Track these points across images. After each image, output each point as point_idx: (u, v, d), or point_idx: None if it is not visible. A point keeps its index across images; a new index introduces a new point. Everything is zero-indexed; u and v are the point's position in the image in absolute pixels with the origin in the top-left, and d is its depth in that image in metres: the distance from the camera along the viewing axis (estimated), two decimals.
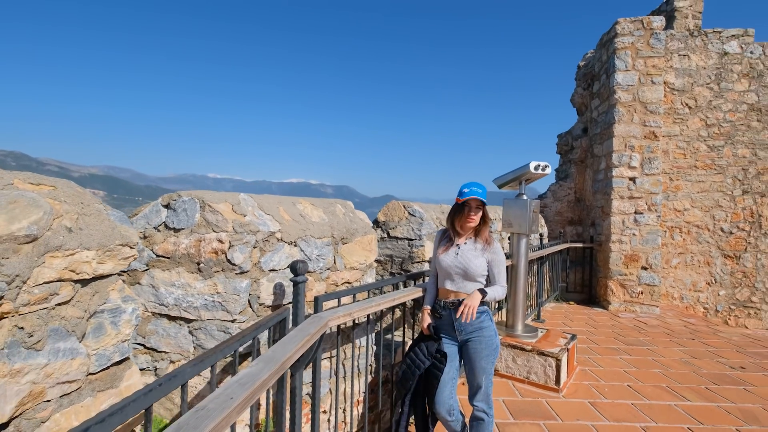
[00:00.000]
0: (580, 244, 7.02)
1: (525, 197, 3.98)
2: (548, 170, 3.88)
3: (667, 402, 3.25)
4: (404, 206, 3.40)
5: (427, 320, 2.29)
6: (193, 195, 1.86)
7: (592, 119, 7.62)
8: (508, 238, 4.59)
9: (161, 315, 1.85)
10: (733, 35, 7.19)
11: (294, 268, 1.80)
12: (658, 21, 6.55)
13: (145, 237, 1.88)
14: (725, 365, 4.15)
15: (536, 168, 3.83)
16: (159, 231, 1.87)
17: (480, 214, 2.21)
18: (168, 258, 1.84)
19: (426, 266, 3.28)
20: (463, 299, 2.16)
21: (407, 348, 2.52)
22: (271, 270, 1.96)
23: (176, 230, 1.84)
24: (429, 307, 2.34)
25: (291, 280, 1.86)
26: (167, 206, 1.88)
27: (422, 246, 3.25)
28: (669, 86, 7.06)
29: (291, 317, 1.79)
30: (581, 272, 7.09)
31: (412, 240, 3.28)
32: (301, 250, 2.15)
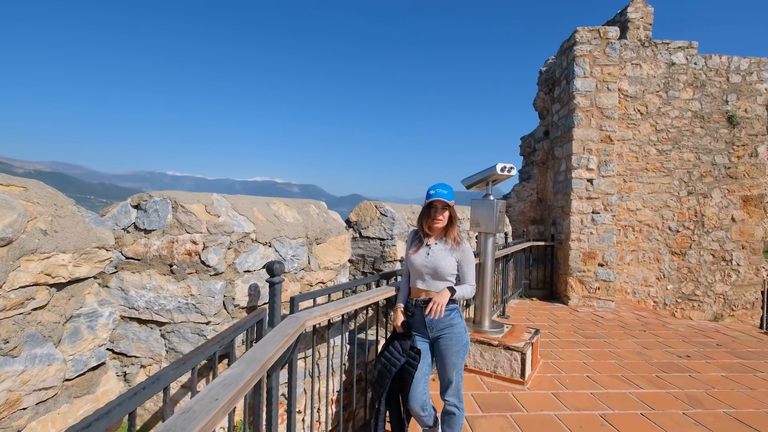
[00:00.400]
0: (542, 243, 7.32)
1: (492, 198, 4.11)
2: (513, 172, 4.03)
3: (622, 390, 3.47)
4: (376, 206, 3.44)
5: (401, 318, 2.34)
6: (164, 195, 1.82)
7: (553, 123, 7.95)
8: (476, 237, 4.73)
9: (131, 318, 1.80)
10: (679, 47, 7.70)
11: (270, 268, 1.80)
12: (614, 31, 6.93)
13: (115, 239, 1.82)
14: (673, 354, 4.46)
15: (502, 170, 3.97)
16: (128, 232, 1.82)
17: (446, 214, 2.24)
18: (138, 260, 1.79)
19: (398, 265, 3.34)
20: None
21: (380, 347, 2.56)
22: (246, 271, 1.95)
23: (147, 231, 1.80)
24: (402, 306, 2.38)
25: (267, 281, 1.86)
26: (137, 207, 1.83)
27: (394, 246, 3.30)
28: (623, 93, 7.48)
29: (267, 318, 1.79)
30: (543, 269, 7.39)
31: (384, 240, 3.33)
32: (276, 251, 2.14)
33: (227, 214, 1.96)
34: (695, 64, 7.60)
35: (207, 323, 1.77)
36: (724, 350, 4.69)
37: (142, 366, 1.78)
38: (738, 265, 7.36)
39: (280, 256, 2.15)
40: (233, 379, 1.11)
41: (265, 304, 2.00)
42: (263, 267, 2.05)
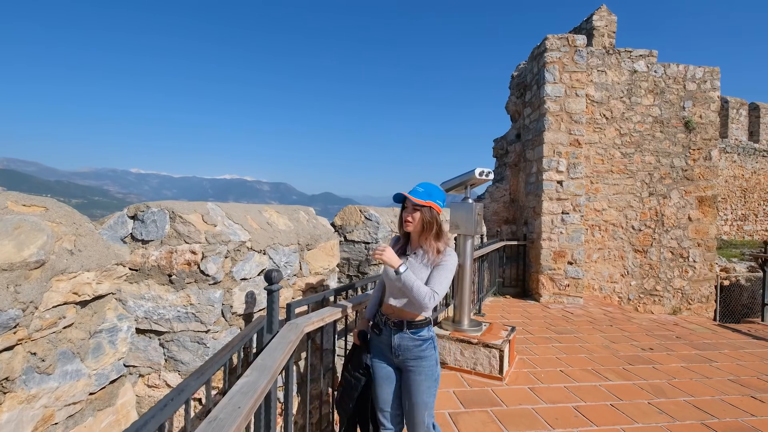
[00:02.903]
0: (514, 242, 7.59)
1: (470, 201, 4.27)
2: (491, 176, 4.19)
3: (593, 383, 3.69)
4: (360, 211, 3.52)
5: (361, 329, 2.18)
6: (162, 206, 1.84)
7: (524, 126, 8.24)
8: (455, 239, 4.88)
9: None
10: (641, 55, 8.13)
11: (269, 276, 1.85)
12: (581, 39, 7.25)
13: None
14: (638, 347, 4.76)
15: (480, 174, 4.13)
16: (125, 243, 1.82)
17: (417, 216, 1.90)
18: (136, 270, 1.80)
19: (382, 268, 3.43)
20: (408, 320, 1.95)
21: (345, 362, 2.28)
22: (242, 279, 1.99)
23: (145, 242, 1.81)
24: (368, 321, 2.17)
25: (266, 288, 1.91)
26: (134, 217, 1.84)
27: None
28: (590, 98, 7.84)
29: (266, 325, 1.85)
30: (516, 268, 7.66)
31: (368, 243, 3.41)
32: (270, 258, 2.19)
33: (223, 223, 1.99)
34: (655, 72, 8.05)
35: (206, 331, 1.81)
36: (683, 342, 5.04)
37: (141, 375, 1.80)
38: (694, 261, 7.87)
39: (275, 263, 2.20)
40: (250, 387, 1.17)
41: (261, 310, 2.05)
42: (259, 274, 2.09)
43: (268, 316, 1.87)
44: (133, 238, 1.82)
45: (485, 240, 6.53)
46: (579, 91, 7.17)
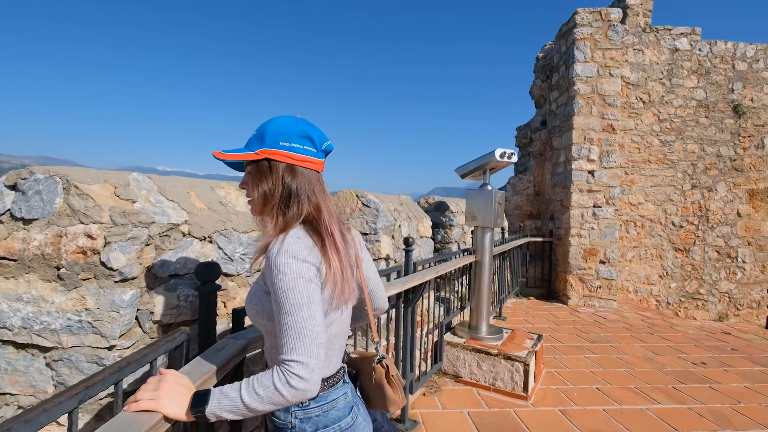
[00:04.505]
0: (539, 239, 6.90)
1: (490, 188, 3.67)
2: (514, 158, 3.58)
3: (638, 406, 3.04)
4: (357, 196, 2.96)
5: None
6: (52, 171, 1.32)
7: (551, 111, 7.52)
8: (471, 232, 4.28)
9: (5, 342, 1.30)
10: (682, 33, 7.30)
11: (201, 271, 1.32)
12: (616, 13, 6.49)
13: None
14: (687, 361, 4.06)
15: (502, 156, 3.52)
16: (2, 222, 1.31)
17: (250, 184, 1.06)
18: (14, 260, 1.29)
19: (383, 265, 2.86)
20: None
21: None
22: (172, 276, 1.46)
23: (26, 221, 1.30)
24: None
25: (196, 289, 1.37)
26: (14, 187, 1.33)
27: (378, 242, 2.83)
28: (625, 80, 7.07)
29: (185, 341, 1.31)
30: (541, 267, 6.97)
31: (366, 234, 2.85)
32: (219, 248, 1.65)
33: (148, 200, 1.46)
34: (699, 50, 7.21)
35: (109, 348, 1.28)
36: (741, 356, 4.30)
37: (20, 407, 1.29)
38: (743, 262, 7.02)
39: (226, 254, 1.67)
40: None
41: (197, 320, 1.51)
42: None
43: (201, 327, 1.34)
44: (12, 216, 1.31)
45: (507, 235, 5.89)
46: (613, 71, 6.42)
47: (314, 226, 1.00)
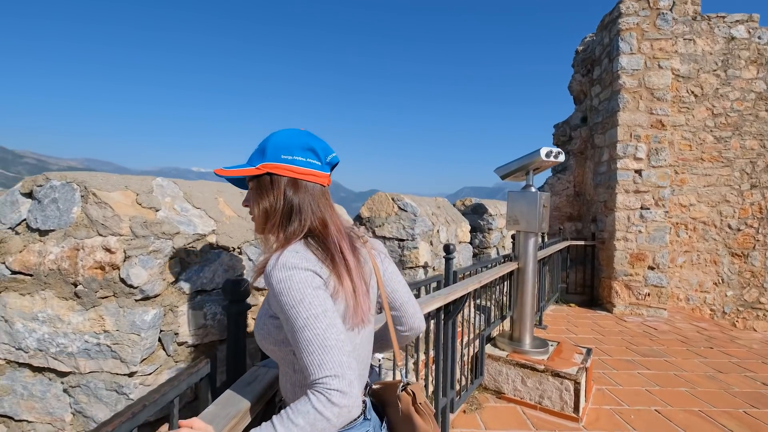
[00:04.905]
0: (581, 242, 6.52)
1: (534, 189, 3.41)
2: (561, 157, 3.31)
3: None
4: (393, 199, 2.78)
5: None
6: (69, 178, 1.20)
7: (592, 107, 7.11)
8: (512, 237, 4.02)
9: (21, 364, 1.20)
10: (738, 20, 6.74)
11: (228, 288, 1.17)
12: (666, 0, 6.05)
13: None
14: (756, 381, 3.65)
15: (548, 155, 3.26)
16: (18, 234, 1.21)
17: (252, 200, 0.97)
18: (30, 275, 1.18)
19: (421, 273, 2.67)
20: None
21: None
22: (198, 292, 1.32)
23: (42, 232, 1.19)
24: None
25: (223, 308, 1.23)
26: (29, 195, 1.22)
27: (416, 248, 2.64)
28: (674, 72, 6.58)
29: (210, 371, 1.16)
30: (582, 272, 6.58)
31: (403, 240, 2.67)
32: (250, 260, 1.51)
33: (172, 207, 1.33)
34: (759, 38, 6.63)
35: (130, 374, 1.15)
36: None
37: None
38: None
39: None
40: None
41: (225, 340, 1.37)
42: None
43: (230, 349, 1.19)
44: (28, 227, 1.20)
45: (546, 239, 5.57)
46: (663, 63, 5.97)
47: (320, 240, 0.91)
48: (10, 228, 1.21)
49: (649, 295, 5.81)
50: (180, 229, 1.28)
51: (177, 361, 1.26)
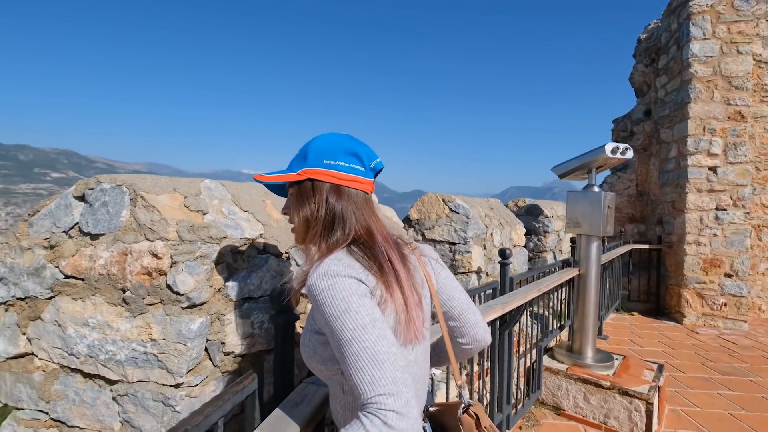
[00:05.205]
0: (645, 246, 6.02)
1: (597, 189, 3.14)
2: (629, 154, 3.03)
3: None
4: (443, 200, 2.64)
5: None
6: (119, 180, 1.18)
7: (657, 99, 6.56)
8: (571, 240, 3.74)
9: (73, 369, 1.18)
10: None
11: (276, 299, 1.09)
12: None
13: (52, 246, 1.21)
14: None
15: (613, 151, 2.99)
16: (71, 237, 1.20)
17: (291, 208, 0.92)
18: (81, 279, 1.17)
19: (474, 279, 2.51)
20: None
21: None
22: (245, 299, 1.26)
23: (93, 236, 1.17)
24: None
25: (270, 318, 1.15)
26: (82, 198, 1.21)
27: (468, 252, 2.48)
28: (755, 58, 5.91)
29: (257, 388, 1.09)
30: (646, 278, 6.08)
31: (454, 244, 2.52)
32: (298, 265, 1.43)
33: (220, 211, 1.28)
34: None
35: (176, 386, 1.10)
36: None
37: None
38: None
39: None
40: None
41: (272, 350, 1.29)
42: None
43: (277, 362, 1.11)
44: (80, 230, 1.19)
45: (605, 243, 5.18)
46: (742, 47, 5.38)
47: (365, 248, 0.84)
48: (64, 231, 1.20)
49: (725, 305, 5.25)
50: (227, 234, 1.23)
51: (224, 372, 1.20)
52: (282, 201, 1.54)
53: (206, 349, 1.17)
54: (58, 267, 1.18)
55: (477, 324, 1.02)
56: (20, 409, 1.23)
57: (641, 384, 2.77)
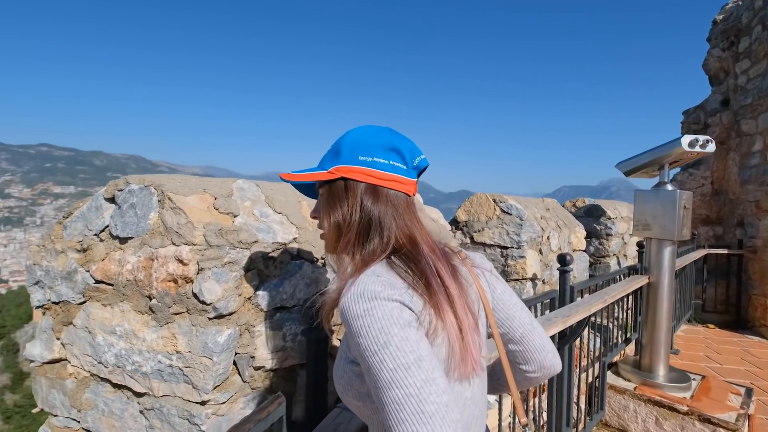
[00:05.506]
0: (723, 251, 5.40)
1: (671, 188, 2.80)
2: (711, 147, 2.68)
3: None
4: (494, 201, 2.44)
5: None
6: (147, 181, 1.11)
7: (737, 87, 5.87)
8: (638, 245, 3.38)
9: (102, 378, 1.14)
10: None
11: (308, 314, 0.98)
12: None
13: (84, 250, 1.18)
14: None
15: (692, 144, 2.65)
16: (102, 241, 1.16)
17: (321, 210, 0.79)
18: (110, 285, 1.12)
19: (528, 287, 2.29)
20: None
21: None
22: (277, 309, 1.15)
23: (122, 240, 1.11)
24: None
25: (302, 333, 1.04)
26: (112, 200, 1.16)
27: (522, 257, 2.27)
28: None
29: (307, 403, 0.97)
30: (724, 287, 5.45)
31: (506, 248, 2.32)
32: (334, 272, 1.32)
33: (252, 212, 1.19)
34: None
35: (201, 403, 1.01)
36: None
37: None
38: None
39: None
40: None
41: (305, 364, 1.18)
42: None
43: (309, 382, 1.00)
44: (110, 233, 1.14)
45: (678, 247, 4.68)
46: None
47: (409, 259, 0.69)
48: (95, 235, 1.16)
49: None
50: (258, 237, 1.13)
51: (254, 388, 1.11)
52: None
53: (234, 363, 1.08)
54: (88, 271, 1.14)
55: (544, 348, 0.84)
56: (55, 416, 1.20)
57: (726, 410, 2.42)
